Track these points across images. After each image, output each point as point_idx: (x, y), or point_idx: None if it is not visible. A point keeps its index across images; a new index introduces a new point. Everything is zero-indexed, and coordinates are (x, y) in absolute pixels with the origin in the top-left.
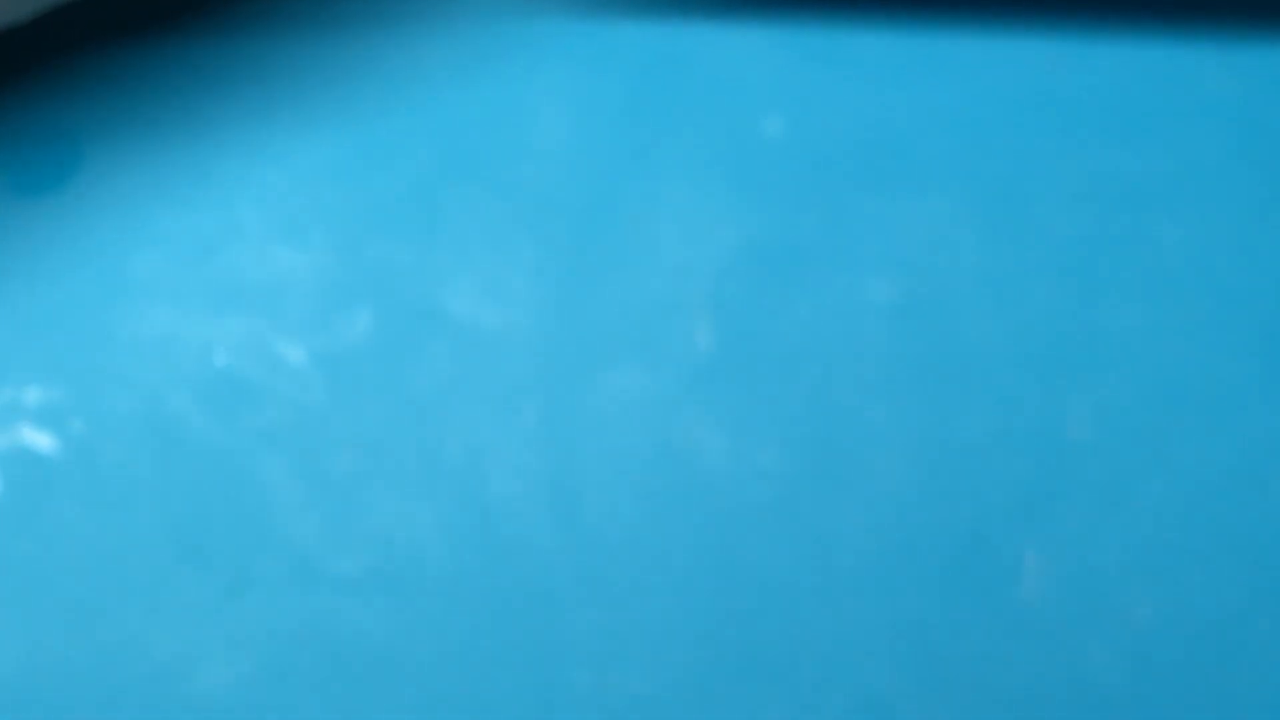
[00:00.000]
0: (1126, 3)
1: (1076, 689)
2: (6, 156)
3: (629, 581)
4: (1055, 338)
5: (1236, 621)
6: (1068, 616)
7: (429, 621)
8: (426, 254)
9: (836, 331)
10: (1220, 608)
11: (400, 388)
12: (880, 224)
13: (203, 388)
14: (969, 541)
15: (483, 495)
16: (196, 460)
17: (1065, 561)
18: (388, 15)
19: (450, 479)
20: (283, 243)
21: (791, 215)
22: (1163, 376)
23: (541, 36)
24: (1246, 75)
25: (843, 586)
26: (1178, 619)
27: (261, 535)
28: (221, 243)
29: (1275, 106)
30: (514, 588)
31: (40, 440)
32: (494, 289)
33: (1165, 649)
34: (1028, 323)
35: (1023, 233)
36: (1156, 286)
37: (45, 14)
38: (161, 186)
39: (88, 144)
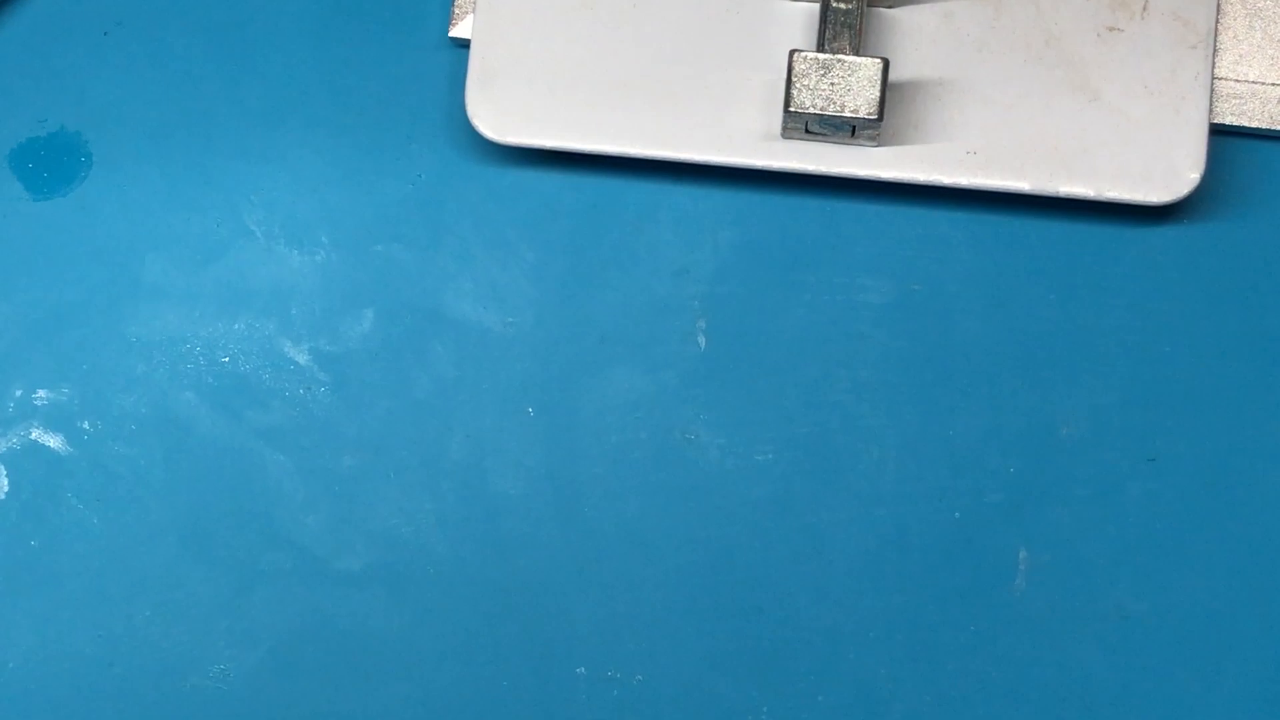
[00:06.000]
0: None
1: (1067, 682)
2: (16, 160)
3: (628, 577)
4: (1046, 338)
5: (1224, 617)
6: (1059, 612)
7: (432, 616)
8: (429, 256)
9: (832, 332)
10: (1208, 603)
11: (403, 388)
12: (875, 226)
13: (209, 388)
14: (962, 538)
15: (484, 493)
16: (203, 459)
17: (1057, 558)
18: (389, 22)
19: (452, 477)
20: (288, 245)
21: (788, 217)
22: (1152, 376)
23: None
24: None
25: (838, 582)
26: (1167, 614)
27: (268, 532)
28: (228, 246)
29: None
30: (515, 583)
31: (50, 440)
32: (495, 290)
33: (1155, 644)
34: (1019, 323)
35: (1015, 234)
36: (1146, 287)
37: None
38: (169, 190)
39: (97, 148)
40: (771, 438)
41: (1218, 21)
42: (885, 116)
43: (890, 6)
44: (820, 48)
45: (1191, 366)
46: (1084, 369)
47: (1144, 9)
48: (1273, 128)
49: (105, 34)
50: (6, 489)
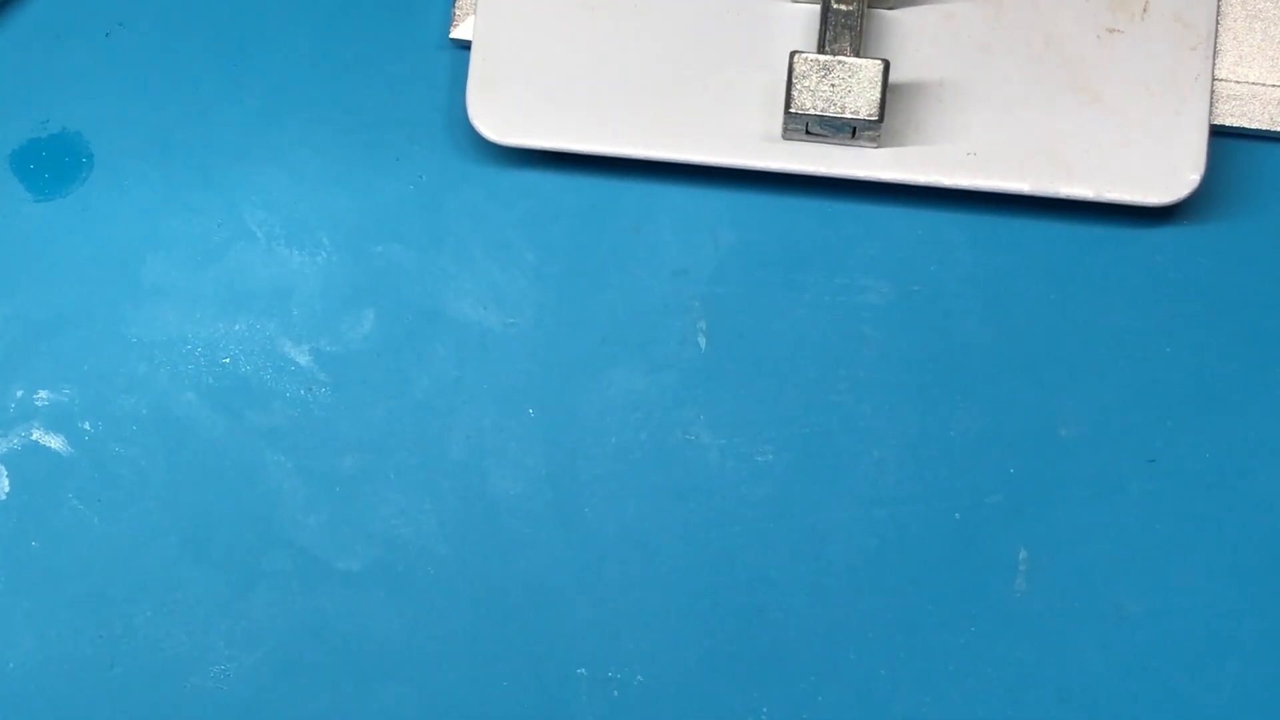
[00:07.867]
0: None
1: (1067, 682)
2: (18, 161)
3: (628, 577)
4: (1046, 338)
5: (1224, 617)
6: (1059, 612)
7: (432, 616)
8: (429, 257)
9: (832, 333)
10: (1208, 603)
11: (404, 388)
12: (875, 227)
13: (210, 388)
14: (962, 538)
15: (484, 493)
16: (204, 459)
17: (1057, 558)
18: (389, 23)
19: (452, 477)
20: (289, 246)
21: (788, 218)
22: (1152, 376)
23: None
24: None
25: (838, 582)
26: (1167, 614)
27: (268, 533)
28: (229, 246)
29: None
30: (515, 584)
31: (51, 440)
32: (495, 291)
33: (1155, 644)
34: (1019, 324)
35: (1015, 235)
36: (1146, 287)
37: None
38: (170, 191)
39: (98, 149)
40: (771, 438)
41: (1218, 23)
42: (886, 118)
43: (891, 8)
44: (821, 49)
45: (1191, 367)
46: (1084, 369)
47: (1144, 10)
48: (1273, 129)
49: (107, 35)
50: (7, 489)
